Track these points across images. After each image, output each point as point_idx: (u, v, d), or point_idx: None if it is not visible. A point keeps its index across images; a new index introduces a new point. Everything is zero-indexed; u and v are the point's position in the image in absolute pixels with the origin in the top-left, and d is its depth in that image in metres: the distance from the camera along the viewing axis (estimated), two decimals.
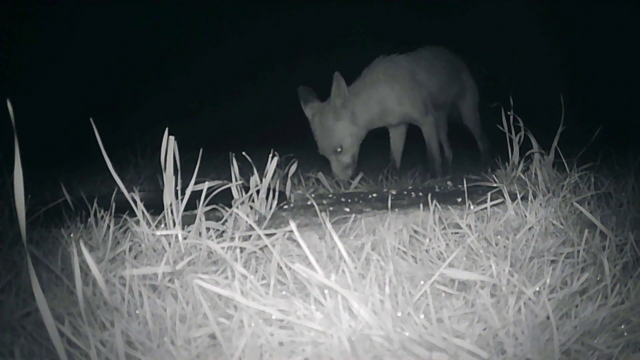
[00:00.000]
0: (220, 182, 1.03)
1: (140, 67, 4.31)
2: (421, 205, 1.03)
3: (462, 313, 0.67)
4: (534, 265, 0.83)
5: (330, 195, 1.35)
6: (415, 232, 0.96)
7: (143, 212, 0.89)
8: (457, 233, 0.96)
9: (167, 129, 0.93)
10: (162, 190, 0.91)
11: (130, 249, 0.87)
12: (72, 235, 0.96)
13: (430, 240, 0.92)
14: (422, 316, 0.62)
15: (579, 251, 0.85)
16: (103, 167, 0.87)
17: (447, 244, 0.91)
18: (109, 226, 0.92)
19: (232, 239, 0.87)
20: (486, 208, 1.03)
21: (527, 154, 1.33)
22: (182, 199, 0.91)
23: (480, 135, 2.33)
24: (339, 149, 1.83)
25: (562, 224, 0.99)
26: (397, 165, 2.10)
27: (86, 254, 0.62)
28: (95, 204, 0.99)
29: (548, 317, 0.62)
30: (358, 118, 1.84)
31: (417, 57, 2.04)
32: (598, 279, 0.77)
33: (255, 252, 0.85)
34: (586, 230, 0.87)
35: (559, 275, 0.77)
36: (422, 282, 0.73)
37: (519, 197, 1.06)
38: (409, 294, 0.69)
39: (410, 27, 4.00)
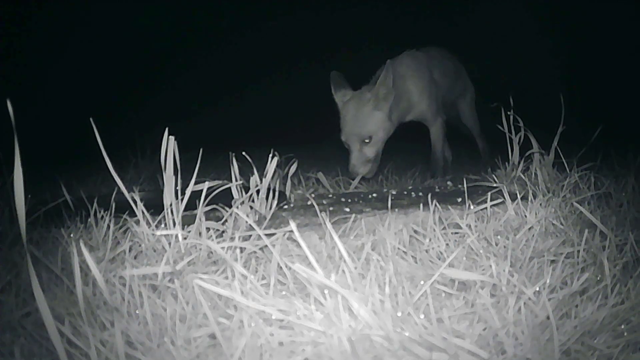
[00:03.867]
0: (220, 182, 1.03)
1: (140, 67, 4.31)
2: (421, 205, 1.03)
3: (462, 313, 0.67)
4: (534, 265, 0.83)
5: (330, 195, 1.35)
6: (415, 232, 0.96)
7: (143, 212, 0.89)
8: (457, 233, 0.96)
9: (167, 129, 0.93)
10: (162, 190, 0.91)
11: (130, 249, 0.87)
12: (72, 235, 0.96)
13: (430, 240, 0.92)
14: (422, 316, 0.62)
15: (579, 251, 0.85)
16: (103, 167, 0.87)
17: (447, 244, 0.91)
18: (109, 226, 0.92)
19: (232, 239, 0.87)
20: (486, 208, 1.03)
21: (527, 154, 1.33)
22: (182, 199, 0.91)
23: (479, 133, 2.32)
24: (367, 140, 1.73)
25: (562, 224, 0.99)
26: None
27: (86, 254, 0.62)
28: (95, 204, 0.99)
29: (548, 317, 0.62)
30: (393, 114, 1.78)
31: (429, 55, 2.03)
32: (598, 279, 0.77)
33: (255, 252, 0.85)
34: (586, 230, 0.87)
35: (559, 275, 0.77)
36: (422, 282, 0.73)
37: (519, 197, 1.06)
38: (409, 294, 0.69)
39: (411, 27, 4.00)
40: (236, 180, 1.06)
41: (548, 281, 0.72)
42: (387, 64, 1.69)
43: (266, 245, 0.83)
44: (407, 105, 1.88)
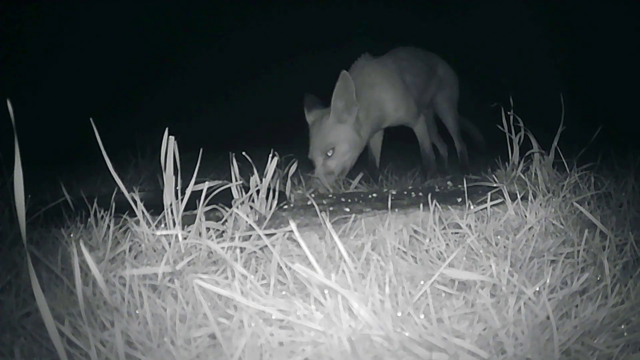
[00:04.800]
0: (220, 182, 1.03)
1: (139, 67, 4.31)
2: (421, 205, 1.03)
3: (462, 313, 0.67)
4: (534, 265, 0.83)
5: (330, 195, 1.35)
6: (415, 232, 0.96)
7: (143, 212, 0.89)
8: (457, 233, 0.96)
9: (167, 129, 0.93)
10: (162, 190, 0.91)
11: (130, 249, 0.87)
12: (72, 235, 0.96)
13: (430, 240, 0.92)
14: (422, 316, 0.62)
15: (579, 251, 0.85)
16: (103, 167, 0.87)
17: (447, 244, 0.91)
18: (109, 226, 0.92)
19: (232, 239, 0.87)
20: (486, 208, 1.03)
21: (527, 154, 1.33)
22: (182, 199, 0.91)
23: (458, 133, 2.22)
24: (330, 153, 1.68)
25: (562, 224, 0.99)
26: (377, 164, 2.03)
27: (86, 254, 0.62)
28: (95, 204, 0.99)
29: (548, 317, 0.62)
30: (362, 127, 1.72)
31: (398, 58, 1.98)
32: (598, 279, 0.77)
33: (255, 252, 0.85)
34: (586, 230, 0.87)
35: (559, 275, 0.77)
36: (422, 282, 0.73)
37: (519, 197, 1.06)
38: (409, 294, 0.69)
39: (410, 27, 4.00)
40: (236, 180, 1.06)
41: (548, 281, 0.72)
42: (342, 74, 1.61)
43: (266, 245, 0.83)
44: (381, 114, 1.82)
